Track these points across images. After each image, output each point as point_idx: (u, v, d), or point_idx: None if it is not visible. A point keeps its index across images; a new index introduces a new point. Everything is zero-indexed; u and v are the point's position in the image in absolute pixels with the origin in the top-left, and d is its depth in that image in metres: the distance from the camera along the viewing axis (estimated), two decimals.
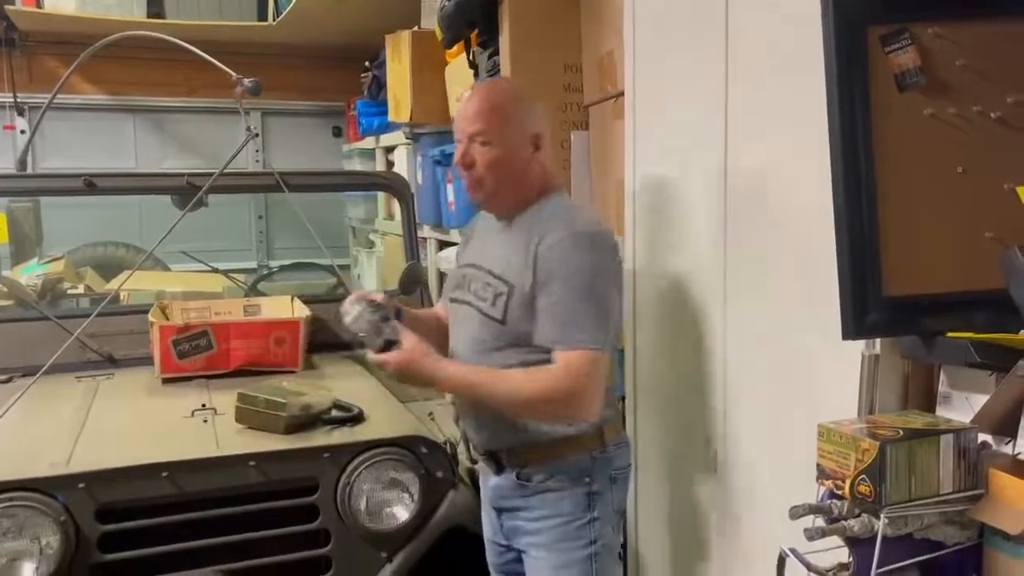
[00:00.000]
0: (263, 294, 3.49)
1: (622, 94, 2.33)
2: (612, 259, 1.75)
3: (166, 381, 2.55)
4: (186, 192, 2.73)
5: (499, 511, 1.86)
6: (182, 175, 2.84)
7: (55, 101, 2.73)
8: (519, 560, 1.86)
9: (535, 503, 1.78)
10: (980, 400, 1.38)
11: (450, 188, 3.50)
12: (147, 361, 2.63)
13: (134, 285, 3.63)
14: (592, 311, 1.68)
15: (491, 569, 1.96)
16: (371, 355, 1.77)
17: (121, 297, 3.30)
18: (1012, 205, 1.35)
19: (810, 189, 1.57)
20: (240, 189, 3.46)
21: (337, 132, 6.31)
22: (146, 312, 2.71)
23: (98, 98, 5.72)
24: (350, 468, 2.01)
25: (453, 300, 1.89)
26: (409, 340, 1.72)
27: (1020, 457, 1.29)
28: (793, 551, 1.38)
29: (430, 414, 2.44)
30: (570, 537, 1.76)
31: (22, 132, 5.49)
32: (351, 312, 1.80)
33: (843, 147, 1.36)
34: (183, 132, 6.02)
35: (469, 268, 1.87)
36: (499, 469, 1.83)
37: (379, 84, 4.59)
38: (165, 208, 2.93)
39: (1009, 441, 1.33)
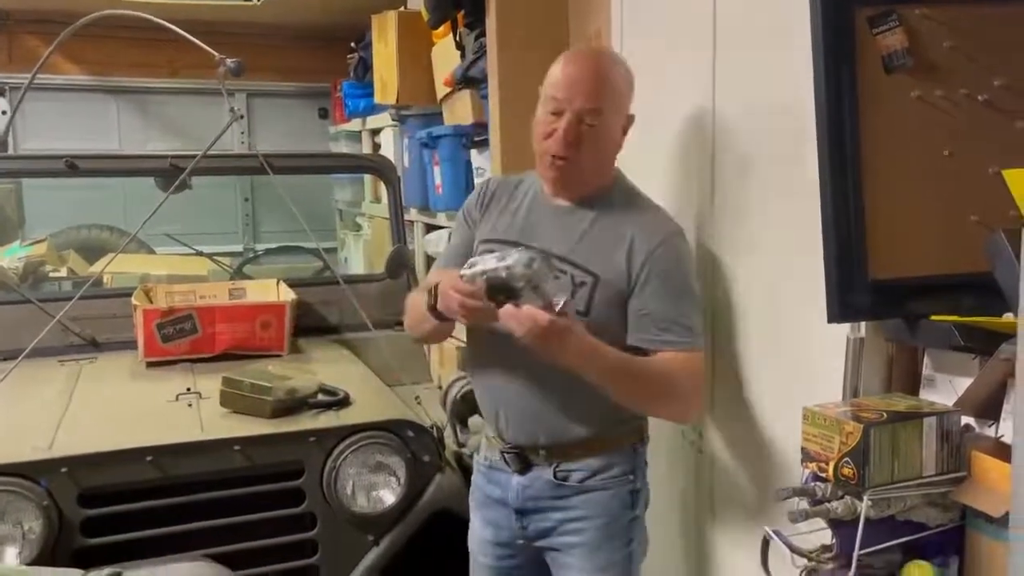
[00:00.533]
0: (249, 277, 3.47)
1: (602, 30, 2.31)
2: None
3: (150, 365, 2.54)
4: (170, 174, 2.70)
5: (522, 512, 1.70)
6: (166, 157, 2.80)
7: (36, 81, 2.68)
8: (525, 562, 1.75)
9: (576, 503, 1.66)
10: (964, 383, 1.39)
11: (437, 171, 3.48)
12: (131, 345, 2.61)
13: (118, 268, 3.60)
14: (698, 312, 1.65)
15: (483, 570, 1.81)
16: (528, 309, 1.43)
17: (104, 280, 3.27)
18: (997, 189, 1.34)
19: (798, 166, 1.57)
20: (224, 171, 3.43)
21: (323, 114, 6.25)
22: (130, 295, 2.69)
23: (80, 78, 5.65)
24: (336, 452, 2.00)
25: None
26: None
27: (1003, 440, 1.30)
28: (777, 533, 1.39)
29: (416, 398, 2.44)
30: (614, 537, 1.66)
31: (3, 113, 5.42)
32: (511, 255, 1.45)
33: (829, 129, 1.35)
34: (167, 113, 5.96)
35: (516, 246, 1.62)
36: (525, 467, 1.68)
37: (365, 65, 4.55)
38: (149, 190, 2.90)
39: (992, 424, 1.34)
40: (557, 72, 1.62)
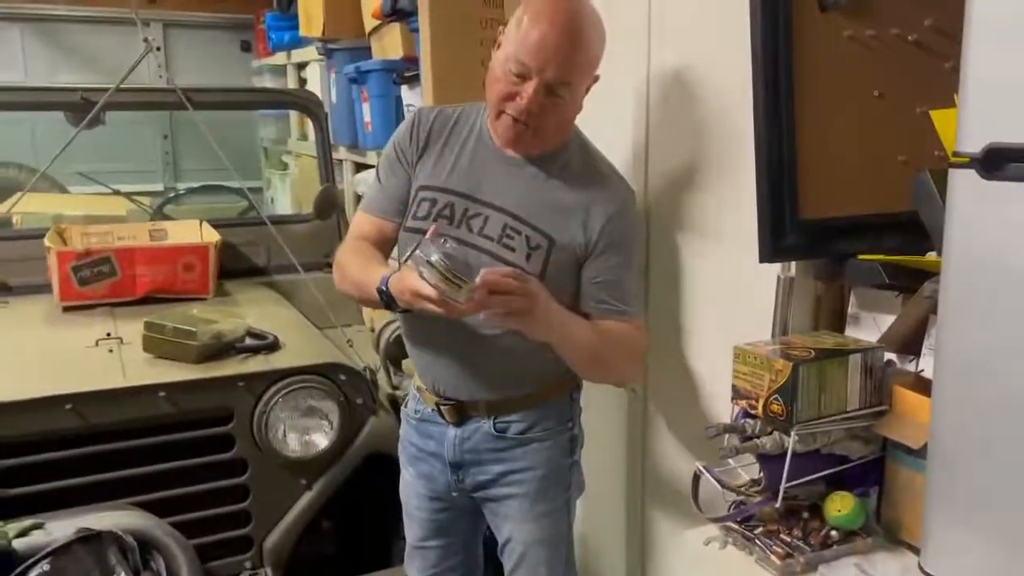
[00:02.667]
0: (170, 218, 3.34)
1: None
2: None
3: (67, 310, 2.44)
4: (81, 108, 2.56)
5: (458, 465, 1.64)
6: (77, 90, 2.66)
7: None
8: (459, 514, 1.73)
9: (516, 455, 1.62)
10: (887, 320, 1.43)
11: (366, 107, 3.39)
12: (45, 289, 2.50)
13: (29, 208, 3.42)
14: (640, 281, 1.65)
15: (416, 524, 1.75)
16: (478, 295, 1.32)
17: (14, 221, 3.11)
18: (925, 129, 1.37)
19: (732, 105, 1.57)
20: (140, 106, 3.26)
21: (245, 47, 6.00)
22: (42, 237, 2.56)
23: None
24: (266, 397, 1.96)
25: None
26: (525, 277, 1.39)
27: (923, 375, 1.35)
28: (707, 468, 1.42)
29: (348, 341, 2.41)
30: (553, 484, 1.65)
31: None
32: (427, 253, 1.31)
33: (764, 68, 1.35)
34: (76, 44, 5.62)
35: (461, 198, 1.55)
36: (462, 420, 1.62)
37: None
38: (60, 126, 2.75)
39: (913, 359, 1.39)
40: (528, 32, 1.43)
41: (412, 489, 1.75)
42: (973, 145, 1.05)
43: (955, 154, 1.07)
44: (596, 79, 1.53)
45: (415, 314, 1.49)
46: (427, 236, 1.36)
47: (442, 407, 1.63)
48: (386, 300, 1.46)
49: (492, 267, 1.42)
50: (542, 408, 1.63)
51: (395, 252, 1.66)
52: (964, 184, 1.06)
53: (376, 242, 1.61)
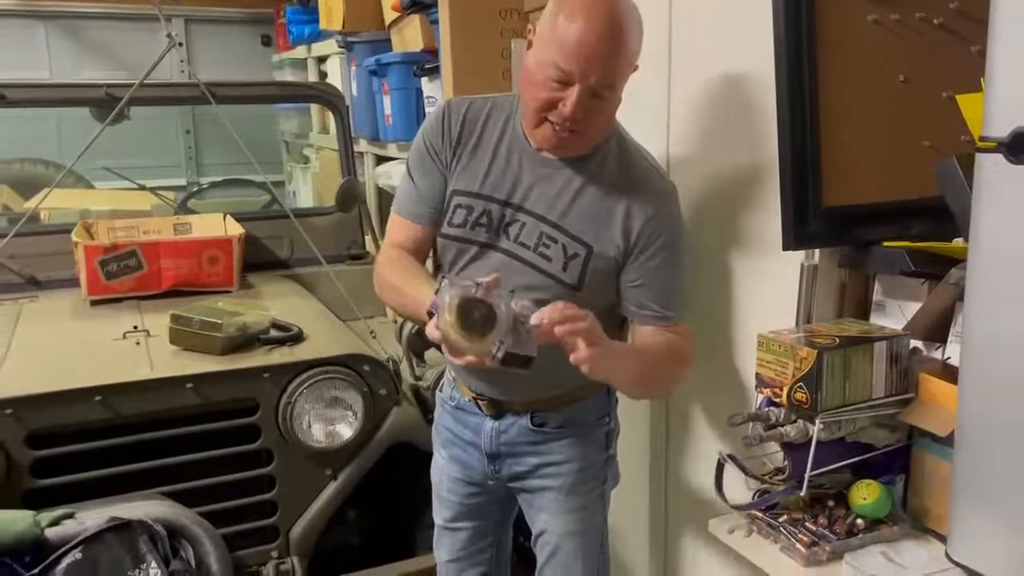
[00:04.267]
0: (194, 212, 3.37)
1: None
2: None
3: (94, 303, 2.47)
4: (106, 103, 2.58)
5: (495, 456, 1.62)
6: (101, 86, 2.68)
7: None
8: (493, 499, 1.71)
9: (553, 448, 1.60)
10: (913, 308, 1.42)
11: (387, 100, 3.39)
12: (73, 283, 2.53)
13: (56, 204, 3.47)
14: (685, 283, 1.54)
15: (448, 506, 1.74)
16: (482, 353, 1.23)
17: (42, 217, 3.15)
18: (950, 114, 1.35)
19: (756, 92, 1.56)
20: (164, 101, 3.29)
21: (266, 41, 6.02)
22: (69, 232, 2.60)
23: (5, 2, 5.34)
24: (291, 388, 1.98)
25: (474, 243, 1.50)
26: (584, 315, 1.28)
27: (949, 362, 1.34)
28: (731, 456, 1.42)
29: (371, 332, 2.42)
30: (589, 478, 1.63)
31: None
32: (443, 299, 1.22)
33: (787, 52, 1.34)
34: (100, 40, 5.67)
35: (497, 204, 1.48)
36: (500, 414, 1.60)
37: None
38: (85, 122, 2.78)
39: (939, 347, 1.38)
40: (566, 34, 1.34)
41: (444, 472, 1.73)
42: (1000, 129, 1.04)
43: (982, 138, 1.06)
44: (635, 69, 1.44)
45: None
46: (452, 280, 1.27)
47: (480, 402, 1.62)
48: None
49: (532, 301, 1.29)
50: (580, 403, 1.60)
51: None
52: (991, 168, 1.05)
53: (413, 249, 1.56)
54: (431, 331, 1.27)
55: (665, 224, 1.47)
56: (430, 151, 1.53)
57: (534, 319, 1.23)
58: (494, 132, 1.52)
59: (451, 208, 1.52)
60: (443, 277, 1.29)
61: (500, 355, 1.22)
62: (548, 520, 1.65)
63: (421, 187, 1.55)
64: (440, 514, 1.78)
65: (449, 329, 1.21)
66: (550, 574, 1.69)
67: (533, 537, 1.71)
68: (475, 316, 1.21)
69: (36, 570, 1.51)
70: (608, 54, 1.35)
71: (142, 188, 4.32)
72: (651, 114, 1.88)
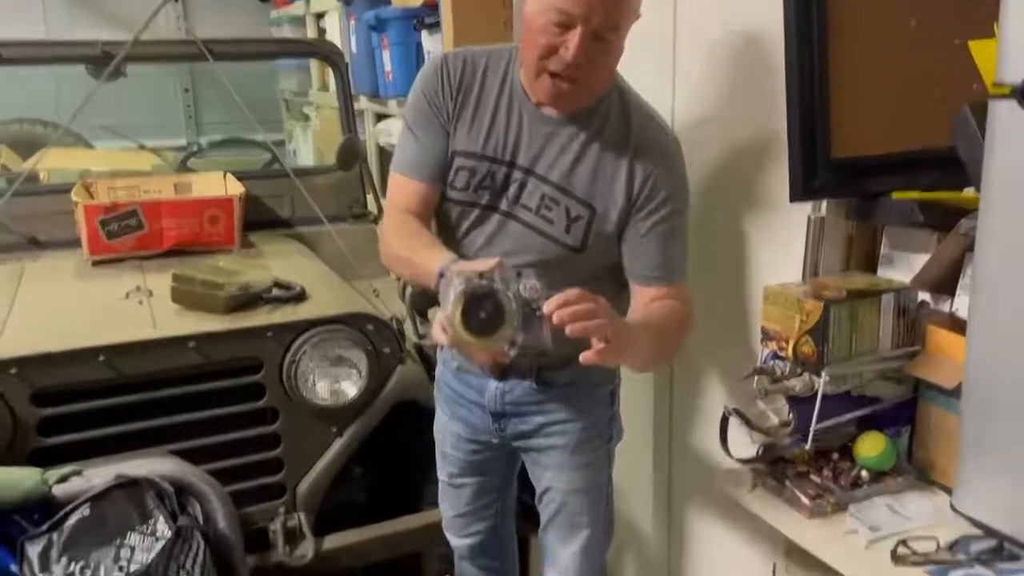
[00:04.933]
0: (194, 171, 3.34)
1: None
2: None
3: (96, 263, 2.46)
4: (102, 61, 2.54)
5: (500, 415, 1.61)
6: (96, 43, 2.64)
7: None
8: (498, 456, 1.71)
9: (558, 406, 1.59)
10: (920, 260, 1.40)
11: (386, 55, 3.34)
12: (74, 243, 2.51)
13: (55, 164, 3.44)
14: (686, 244, 1.48)
15: (452, 462, 1.74)
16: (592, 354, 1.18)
17: (41, 177, 3.13)
18: (962, 61, 1.32)
19: (763, 41, 1.53)
20: (160, 58, 3.25)
21: None
22: (69, 191, 2.58)
23: None
24: (295, 346, 1.98)
25: (477, 205, 1.47)
26: (598, 309, 1.19)
27: (957, 314, 1.32)
28: (736, 411, 1.42)
29: (375, 291, 2.41)
30: (594, 436, 1.62)
31: None
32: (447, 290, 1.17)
33: (796, 1, 1.31)
34: None
35: (500, 165, 1.45)
36: (504, 375, 1.58)
37: None
38: (83, 81, 2.74)
39: (947, 299, 1.36)
40: None
41: (448, 429, 1.73)
42: (1014, 75, 1.02)
43: (995, 84, 1.04)
44: (638, 17, 1.38)
45: None
46: (458, 270, 1.20)
47: (483, 365, 1.59)
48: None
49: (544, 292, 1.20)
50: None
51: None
52: (1005, 115, 1.03)
53: (420, 211, 1.50)
54: (438, 334, 1.20)
55: (667, 182, 1.43)
56: (432, 105, 1.48)
57: (546, 308, 1.16)
58: (493, 87, 1.47)
59: (454, 169, 1.47)
60: (445, 269, 1.22)
61: (513, 353, 1.17)
62: (553, 477, 1.66)
63: (425, 142, 1.49)
64: (444, 470, 1.78)
65: (459, 332, 1.15)
66: (555, 531, 1.70)
67: (538, 494, 1.71)
68: (482, 315, 1.15)
69: (44, 527, 1.52)
70: None
71: (142, 147, 4.29)
72: (657, 67, 1.84)
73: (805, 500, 1.29)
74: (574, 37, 1.29)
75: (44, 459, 1.78)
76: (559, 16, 1.29)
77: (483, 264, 1.21)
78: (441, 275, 1.20)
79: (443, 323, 1.17)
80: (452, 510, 1.81)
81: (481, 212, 1.47)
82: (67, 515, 1.54)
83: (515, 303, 1.15)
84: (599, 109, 1.44)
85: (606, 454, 1.68)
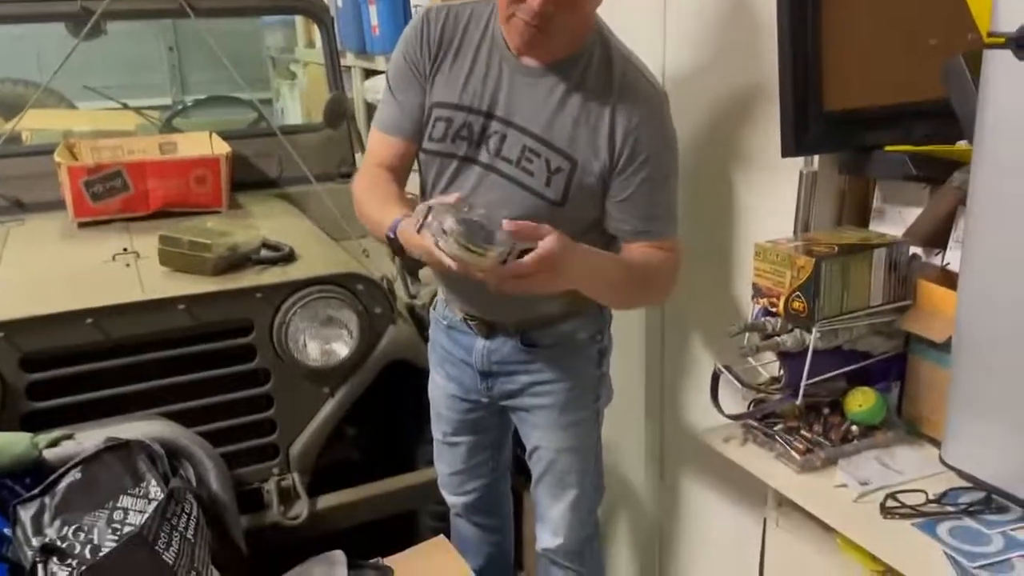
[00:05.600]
0: (179, 131, 3.29)
1: None
2: None
3: (82, 225, 2.43)
4: (80, 18, 2.49)
5: (487, 374, 1.63)
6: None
7: None
8: (490, 414, 1.73)
9: (544, 366, 1.59)
10: (913, 214, 1.39)
11: (373, 10, 3.28)
12: (59, 206, 2.48)
13: (37, 124, 3.39)
14: (676, 195, 1.47)
15: (445, 421, 1.77)
16: (493, 270, 1.20)
17: (24, 137, 3.08)
18: (958, 8, 1.29)
19: (753, 3, 1.50)
20: (141, 15, 3.16)
21: None
22: (51, 153, 2.54)
23: None
24: (285, 307, 1.97)
25: (455, 156, 1.46)
26: (544, 229, 1.23)
27: (948, 268, 1.32)
28: (727, 367, 1.42)
29: (364, 251, 2.39)
30: (582, 396, 1.63)
31: None
32: (436, 223, 1.19)
33: None
34: None
35: (478, 116, 1.44)
36: (491, 333, 1.60)
37: None
38: (64, 41, 2.68)
39: (939, 252, 1.36)
40: None
41: (441, 390, 1.75)
42: (1010, 24, 1.00)
43: (990, 34, 1.02)
44: None
45: None
46: (440, 203, 1.22)
47: (470, 322, 1.61)
48: (395, 247, 1.37)
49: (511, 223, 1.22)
50: (572, 321, 1.58)
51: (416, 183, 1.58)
52: (999, 66, 1.01)
53: (394, 167, 1.51)
54: (438, 255, 1.20)
55: (651, 135, 1.41)
56: (410, 64, 1.48)
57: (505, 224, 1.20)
58: (474, 38, 1.45)
59: (431, 121, 1.47)
60: (424, 205, 1.22)
61: (511, 261, 1.20)
62: (541, 436, 1.67)
63: (402, 101, 1.49)
64: (439, 429, 1.79)
65: (461, 252, 1.17)
66: (544, 488, 1.72)
67: (527, 452, 1.72)
68: (478, 235, 1.17)
69: (36, 490, 1.52)
70: None
71: (125, 107, 4.23)
72: (647, 22, 1.81)
73: (795, 455, 1.29)
74: None
75: (34, 423, 1.78)
76: None
77: (449, 198, 1.23)
78: (429, 210, 1.20)
79: (445, 249, 1.17)
80: (448, 468, 1.82)
81: (460, 163, 1.46)
82: (59, 479, 1.54)
83: (496, 222, 1.20)
84: (580, 59, 1.41)
85: (594, 414, 1.68)
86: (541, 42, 1.37)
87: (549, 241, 1.21)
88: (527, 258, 1.21)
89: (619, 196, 1.43)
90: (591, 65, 1.42)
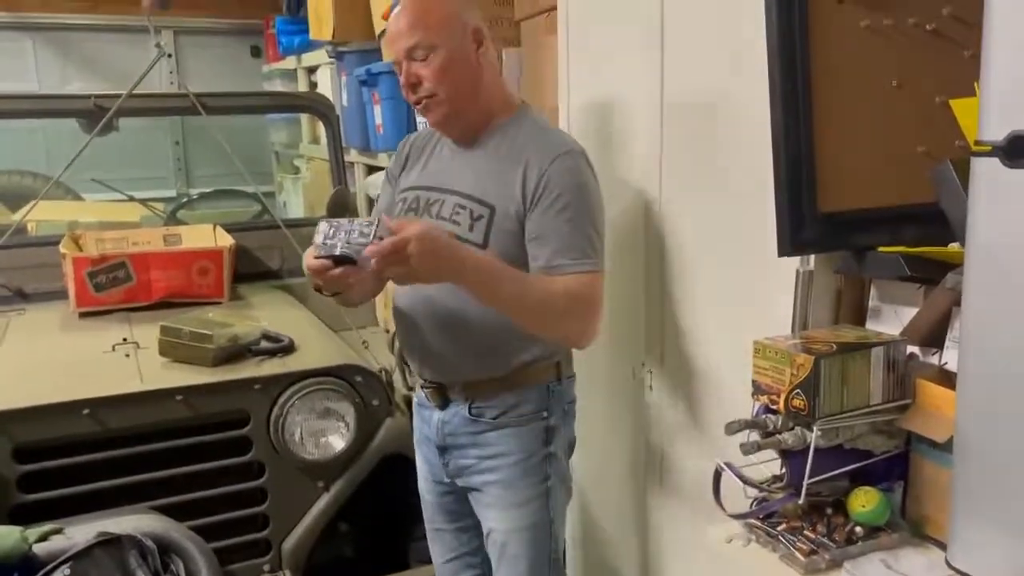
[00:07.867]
0: (183, 223, 3.35)
1: (554, 8, 2.25)
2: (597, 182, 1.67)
3: (83, 315, 2.45)
4: (94, 115, 2.57)
5: (443, 449, 1.73)
6: (89, 97, 2.67)
7: None
8: (462, 499, 1.77)
9: (490, 439, 1.68)
10: (908, 313, 1.41)
11: (377, 110, 3.38)
12: (61, 295, 2.51)
13: (44, 216, 3.43)
14: (594, 234, 1.59)
15: (428, 507, 1.84)
16: (369, 250, 1.37)
17: (29, 228, 3.12)
18: (944, 119, 1.35)
19: (748, 112, 1.55)
20: (153, 112, 3.28)
21: (256, 52, 6.00)
22: (57, 243, 2.58)
23: None
24: (282, 399, 1.96)
25: None
26: (418, 222, 1.47)
27: (946, 367, 1.33)
28: (728, 465, 1.40)
29: (363, 342, 2.40)
30: (528, 474, 1.68)
31: None
32: (324, 229, 1.43)
33: (781, 59, 1.33)
34: (88, 52, 5.65)
35: (426, 191, 1.69)
36: (444, 403, 1.71)
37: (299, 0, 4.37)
38: (73, 134, 2.76)
39: (936, 352, 1.37)
40: (387, 33, 1.63)
41: (421, 472, 1.83)
42: (995, 133, 1.03)
43: (977, 142, 1.05)
44: (479, 33, 1.61)
45: (399, 297, 1.70)
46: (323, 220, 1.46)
47: (425, 390, 1.72)
48: (316, 287, 1.55)
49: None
50: (516, 394, 1.66)
51: None
52: (987, 173, 1.05)
53: None
54: (308, 261, 1.44)
55: (562, 175, 1.56)
56: (389, 175, 1.82)
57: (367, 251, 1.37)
58: (433, 144, 1.75)
59: (396, 204, 1.74)
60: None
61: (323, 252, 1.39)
62: (494, 517, 1.70)
63: (381, 205, 1.81)
64: (425, 515, 1.84)
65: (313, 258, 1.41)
66: (502, 574, 1.72)
67: (484, 538, 1.74)
68: (352, 233, 1.39)
69: None
70: (405, 20, 1.57)
71: (131, 199, 4.29)
72: (643, 117, 1.87)
73: (800, 556, 1.27)
74: (402, 68, 1.59)
75: (25, 516, 1.75)
76: (394, 58, 1.60)
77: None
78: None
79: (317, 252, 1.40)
80: (440, 556, 1.85)
81: None
82: (48, 574, 1.51)
83: (346, 224, 1.41)
84: (506, 130, 1.65)
85: (545, 493, 1.70)
86: (440, 114, 1.61)
87: (412, 226, 1.39)
88: (388, 239, 1.37)
89: (533, 234, 1.57)
90: (508, 136, 1.65)
